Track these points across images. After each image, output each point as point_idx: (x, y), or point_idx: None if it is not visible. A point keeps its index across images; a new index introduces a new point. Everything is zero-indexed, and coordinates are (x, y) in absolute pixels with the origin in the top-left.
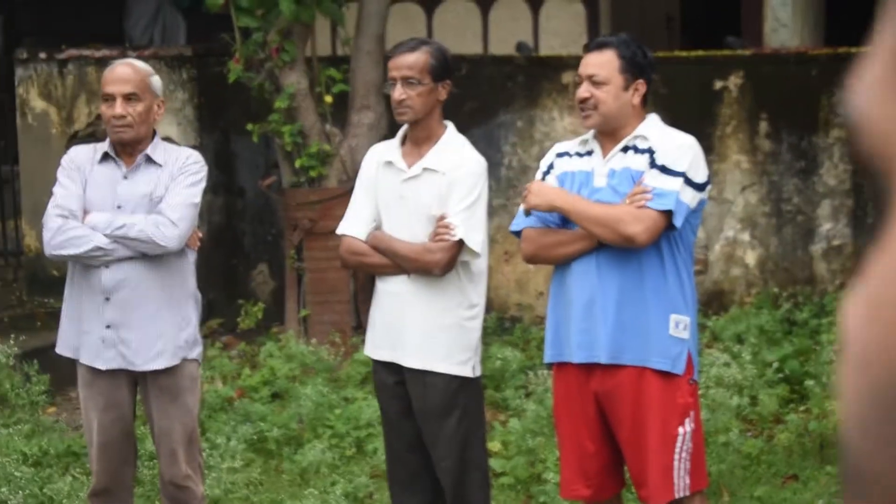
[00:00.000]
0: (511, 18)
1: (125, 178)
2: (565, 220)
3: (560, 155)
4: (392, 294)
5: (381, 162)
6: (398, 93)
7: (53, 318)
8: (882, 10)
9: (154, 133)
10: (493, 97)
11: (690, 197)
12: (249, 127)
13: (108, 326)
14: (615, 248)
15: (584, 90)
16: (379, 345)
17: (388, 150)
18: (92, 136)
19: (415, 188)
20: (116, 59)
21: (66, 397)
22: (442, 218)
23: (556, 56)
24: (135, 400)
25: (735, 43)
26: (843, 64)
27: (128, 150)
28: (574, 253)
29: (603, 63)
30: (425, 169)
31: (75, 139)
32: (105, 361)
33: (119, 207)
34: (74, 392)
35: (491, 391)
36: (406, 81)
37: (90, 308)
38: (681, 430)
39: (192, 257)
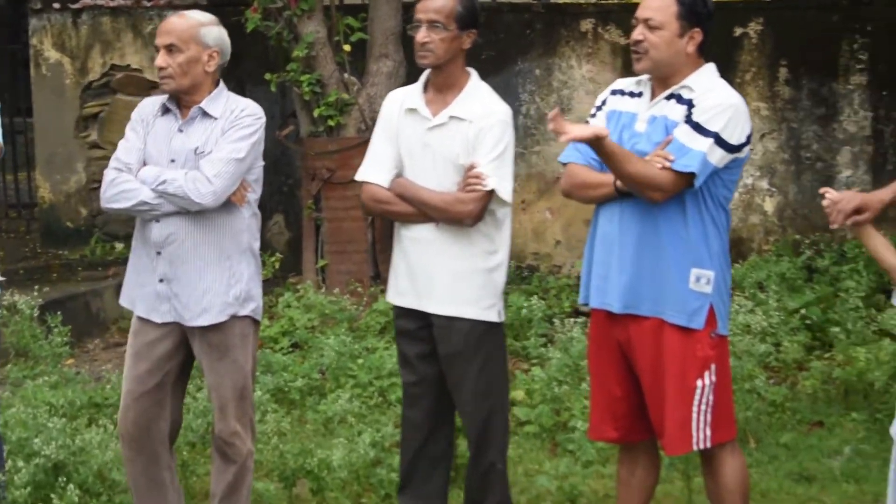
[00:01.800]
0: None
1: (180, 130)
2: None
3: (614, 92)
4: (418, 241)
5: (403, 108)
6: (422, 35)
7: (69, 269)
8: None
9: (217, 84)
10: (511, 45)
11: (719, 157)
12: (267, 76)
13: (161, 280)
14: (639, 198)
15: (637, 32)
16: (403, 291)
17: (411, 96)
18: (105, 86)
19: (441, 136)
20: (130, 9)
21: (84, 349)
22: (472, 167)
23: (574, 3)
24: (187, 354)
25: None
26: (865, 9)
27: (185, 102)
28: (599, 198)
29: (660, 7)
30: (452, 117)
31: (89, 90)
32: (160, 315)
33: (173, 161)
34: (92, 344)
35: (511, 340)
36: (431, 25)
37: (146, 262)
38: (699, 382)
39: (247, 213)
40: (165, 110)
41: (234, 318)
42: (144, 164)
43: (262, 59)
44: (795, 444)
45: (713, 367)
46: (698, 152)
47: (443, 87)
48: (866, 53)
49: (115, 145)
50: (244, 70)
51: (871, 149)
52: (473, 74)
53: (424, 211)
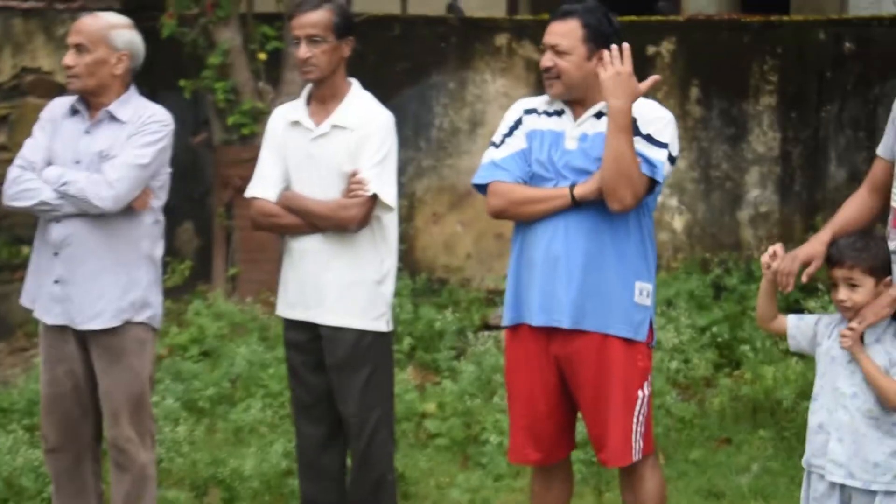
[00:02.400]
0: None
1: (87, 132)
2: (533, 178)
3: (528, 111)
4: (307, 252)
5: (287, 122)
6: (303, 51)
7: None
8: None
9: (128, 88)
10: (426, 58)
11: (668, 170)
12: (182, 83)
13: (56, 282)
14: (583, 211)
15: (546, 59)
16: (293, 304)
17: (294, 109)
18: (15, 89)
19: (324, 146)
20: (42, 11)
21: None
22: (354, 174)
23: (489, 18)
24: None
25: (666, 8)
26: (775, 32)
27: (93, 103)
28: (548, 211)
29: (566, 32)
30: (334, 126)
31: None
32: (53, 316)
33: (78, 162)
34: None
35: (421, 353)
36: (311, 40)
37: (45, 262)
38: (640, 393)
39: (148, 219)
40: (74, 111)
41: (129, 323)
42: (50, 163)
43: (176, 66)
44: (704, 461)
45: (649, 377)
46: (660, 162)
47: (325, 98)
48: (776, 75)
49: None
50: (158, 76)
51: (778, 169)
52: (355, 83)
53: (311, 220)
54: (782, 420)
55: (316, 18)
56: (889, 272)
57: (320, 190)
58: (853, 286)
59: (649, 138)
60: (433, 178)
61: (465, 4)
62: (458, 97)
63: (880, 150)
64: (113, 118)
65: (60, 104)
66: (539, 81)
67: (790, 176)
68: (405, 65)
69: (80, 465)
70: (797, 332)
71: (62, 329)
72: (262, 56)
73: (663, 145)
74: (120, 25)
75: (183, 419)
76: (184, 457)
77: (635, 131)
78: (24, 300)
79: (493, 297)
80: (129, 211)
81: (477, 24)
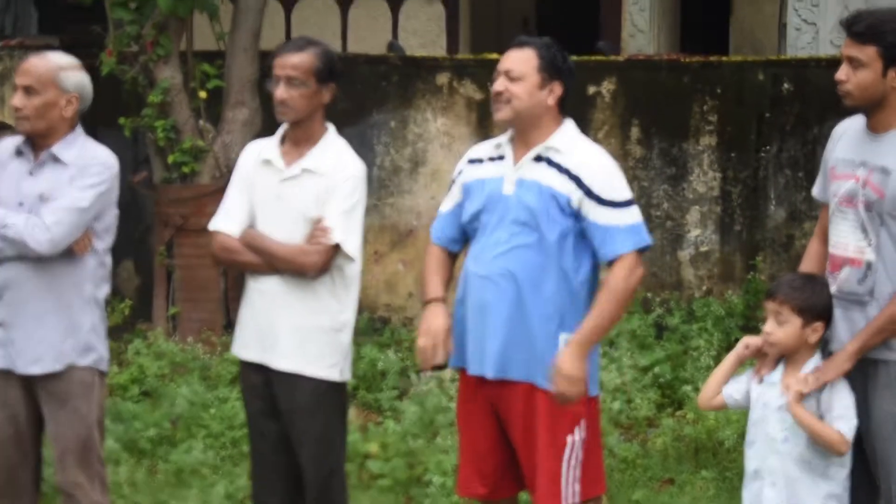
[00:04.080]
0: (370, 17)
1: (30, 174)
2: (478, 224)
3: (472, 161)
4: (264, 293)
5: (259, 159)
6: (281, 92)
7: None
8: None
9: (74, 129)
10: (367, 97)
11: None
12: (122, 121)
13: None
14: (511, 262)
15: (499, 84)
16: (248, 345)
17: (267, 147)
18: None
19: (292, 188)
20: None
21: None
22: (319, 220)
23: (429, 57)
24: (35, 401)
25: (606, 48)
26: (714, 72)
27: (39, 144)
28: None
29: (521, 59)
30: (304, 170)
31: None
32: None
33: (21, 204)
34: None
35: (363, 392)
36: (290, 81)
37: None
38: (570, 438)
39: (92, 261)
40: (20, 152)
41: (73, 367)
42: None
43: (116, 103)
44: (647, 501)
45: (583, 422)
46: (639, 224)
47: (299, 140)
48: (715, 115)
49: None
50: (97, 113)
51: (719, 209)
52: (331, 129)
53: (270, 261)
54: (724, 460)
55: (297, 61)
56: (824, 318)
57: (285, 232)
58: (780, 322)
59: (613, 204)
60: (374, 216)
61: (405, 43)
62: (399, 136)
63: (814, 192)
64: (56, 160)
65: (8, 144)
66: (480, 120)
67: (730, 216)
68: (345, 104)
69: None
70: (733, 390)
71: (6, 373)
72: (203, 94)
73: (628, 203)
74: (69, 67)
75: (123, 460)
76: (125, 499)
77: (586, 192)
78: None
79: None
80: (71, 254)
81: (418, 62)
